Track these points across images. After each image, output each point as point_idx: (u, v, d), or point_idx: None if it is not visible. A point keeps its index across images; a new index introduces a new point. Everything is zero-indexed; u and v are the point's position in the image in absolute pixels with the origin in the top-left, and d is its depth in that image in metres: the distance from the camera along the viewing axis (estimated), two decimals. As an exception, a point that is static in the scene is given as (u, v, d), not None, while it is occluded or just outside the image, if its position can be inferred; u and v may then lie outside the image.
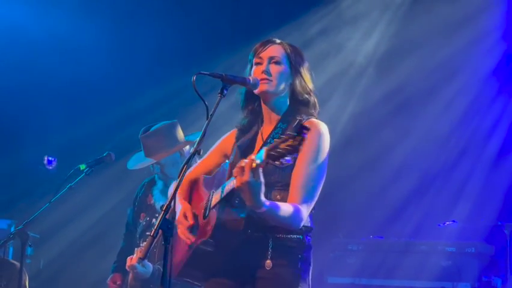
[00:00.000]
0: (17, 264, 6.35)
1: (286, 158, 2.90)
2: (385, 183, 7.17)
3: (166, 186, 5.02)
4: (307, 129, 2.86)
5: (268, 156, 2.93)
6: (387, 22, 7.54)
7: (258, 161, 3.00)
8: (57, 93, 8.44)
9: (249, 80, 3.45)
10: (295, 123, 3.46)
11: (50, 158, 7.30)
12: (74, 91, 8.43)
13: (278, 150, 2.90)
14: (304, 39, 7.21)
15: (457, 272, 6.06)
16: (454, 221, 6.41)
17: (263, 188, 3.10)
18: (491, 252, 6.13)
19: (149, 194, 5.16)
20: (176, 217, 3.51)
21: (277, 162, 2.94)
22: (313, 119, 3.50)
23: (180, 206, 3.55)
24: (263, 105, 3.59)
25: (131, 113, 7.72)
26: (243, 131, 3.68)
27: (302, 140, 2.86)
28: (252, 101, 3.63)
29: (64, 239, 8.11)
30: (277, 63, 3.51)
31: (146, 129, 5.10)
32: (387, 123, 7.32)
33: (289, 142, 2.87)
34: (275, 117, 3.56)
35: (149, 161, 5.03)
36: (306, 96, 3.55)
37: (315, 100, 3.59)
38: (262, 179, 3.07)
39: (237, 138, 3.67)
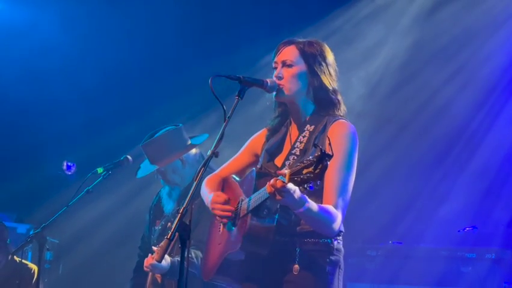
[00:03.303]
0: (31, 266, 6.37)
1: (309, 184, 2.87)
2: (403, 189, 7.13)
3: (172, 190, 5.02)
4: (330, 156, 2.81)
5: (290, 181, 2.90)
6: (405, 30, 7.51)
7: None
8: (78, 100, 8.49)
9: (267, 83, 3.42)
10: (323, 125, 3.42)
11: (69, 163, 7.30)
12: (93, 98, 8.47)
13: (301, 176, 2.86)
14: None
15: (477, 278, 6.01)
16: (473, 227, 6.37)
17: (295, 191, 3.03)
18: (511, 258, 6.08)
19: None
20: (209, 203, 3.49)
21: (300, 188, 2.92)
22: (341, 120, 3.45)
23: (212, 194, 3.50)
24: (290, 107, 3.57)
25: (152, 120, 7.72)
26: (272, 131, 3.65)
27: (325, 168, 2.81)
28: (283, 102, 3.58)
29: (84, 245, 8.13)
30: (289, 66, 3.47)
31: (152, 135, 5.07)
32: (404, 129, 7.29)
33: (311, 169, 2.83)
34: (302, 119, 3.52)
35: (153, 168, 4.99)
36: (327, 95, 3.49)
37: (339, 99, 3.52)
38: (292, 188, 2.99)
39: (267, 139, 3.65)
